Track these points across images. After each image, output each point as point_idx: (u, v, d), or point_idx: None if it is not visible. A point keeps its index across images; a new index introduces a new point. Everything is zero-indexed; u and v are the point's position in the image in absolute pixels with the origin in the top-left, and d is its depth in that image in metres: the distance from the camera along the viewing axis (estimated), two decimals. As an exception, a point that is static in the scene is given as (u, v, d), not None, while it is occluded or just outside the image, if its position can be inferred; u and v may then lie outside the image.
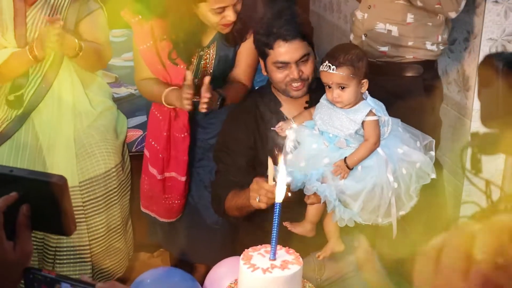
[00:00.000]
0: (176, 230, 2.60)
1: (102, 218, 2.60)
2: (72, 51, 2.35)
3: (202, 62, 2.30)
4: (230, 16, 2.10)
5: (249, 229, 2.19)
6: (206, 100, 2.04)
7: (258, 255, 1.52)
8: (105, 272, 2.68)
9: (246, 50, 2.29)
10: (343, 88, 1.85)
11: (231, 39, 2.25)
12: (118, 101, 3.21)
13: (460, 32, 2.75)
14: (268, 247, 1.52)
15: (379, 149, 1.86)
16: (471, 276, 0.56)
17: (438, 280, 0.57)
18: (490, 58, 0.89)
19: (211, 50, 2.29)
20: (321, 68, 1.88)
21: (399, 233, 1.91)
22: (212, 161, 2.30)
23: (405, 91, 2.43)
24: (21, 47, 2.39)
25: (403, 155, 1.86)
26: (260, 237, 1.71)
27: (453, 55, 2.82)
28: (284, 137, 1.88)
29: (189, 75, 2.09)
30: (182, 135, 2.36)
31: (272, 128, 2.05)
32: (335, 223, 1.88)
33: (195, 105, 2.10)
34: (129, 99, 3.62)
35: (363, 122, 1.84)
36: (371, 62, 2.09)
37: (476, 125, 2.72)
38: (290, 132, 1.86)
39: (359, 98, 1.88)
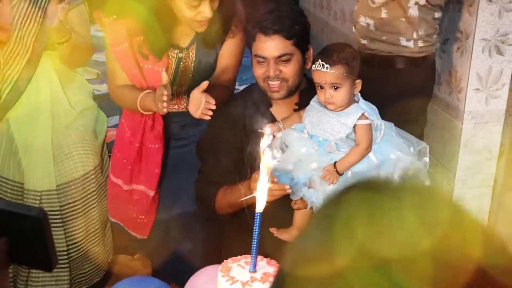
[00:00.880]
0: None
1: (80, 222, 2.49)
2: (65, 34, 2.23)
3: (181, 65, 2.21)
4: (205, 12, 2.00)
5: (235, 226, 2.10)
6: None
7: (238, 266, 1.43)
8: (83, 278, 2.59)
9: (228, 51, 2.21)
10: (336, 88, 1.77)
11: (209, 40, 2.17)
12: (99, 99, 3.09)
13: (452, 31, 2.69)
14: (248, 258, 1.44)
15: (370, 154, 1.79)
16: (471, 276, 0.53)
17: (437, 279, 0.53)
18: None
19: (190, 53, 2.20)
20: (313, 67, 1.80)
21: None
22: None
23: (383, 85, 2.39)
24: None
25: (396, 160, 1.79)
26: (247, 236, 1.64)
27: (444, 55, 2.76)
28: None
29: (165, 76, 1.99)
30: (156, 146, 2.26)
31: (259, 130, 1.98)
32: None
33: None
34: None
35: (354, 126, 1.77)
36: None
37: (467, 127, 2.66)
38: (276, 135, 1.80)
39: (351, 100, 1.81)
